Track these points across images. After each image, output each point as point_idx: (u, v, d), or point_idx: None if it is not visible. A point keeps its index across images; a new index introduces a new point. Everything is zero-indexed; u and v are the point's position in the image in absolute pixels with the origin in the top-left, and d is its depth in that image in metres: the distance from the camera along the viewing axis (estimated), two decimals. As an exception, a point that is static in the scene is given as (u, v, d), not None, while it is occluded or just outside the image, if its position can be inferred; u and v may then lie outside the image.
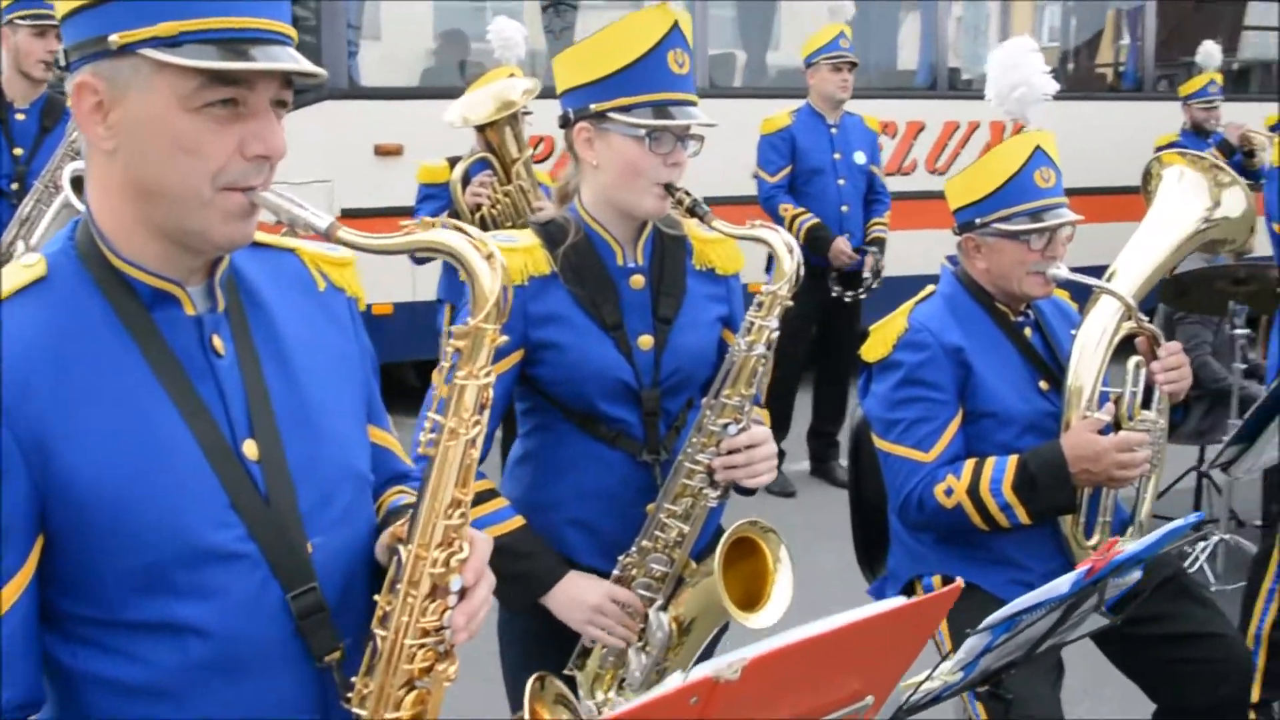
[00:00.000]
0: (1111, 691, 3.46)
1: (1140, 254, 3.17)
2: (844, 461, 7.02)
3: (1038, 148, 3.05)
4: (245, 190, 1.53)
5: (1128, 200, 9.05)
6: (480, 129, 5.12)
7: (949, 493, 2.99)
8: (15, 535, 1.45)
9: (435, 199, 5.30)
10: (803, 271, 2.42)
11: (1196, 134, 8.61)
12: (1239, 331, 5.11)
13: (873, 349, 3.14)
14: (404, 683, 1.60)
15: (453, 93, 5.65)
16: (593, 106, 2.45)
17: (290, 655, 1.61)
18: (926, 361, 3.04)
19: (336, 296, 1.83)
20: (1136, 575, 2.37)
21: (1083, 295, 3.21)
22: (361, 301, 1.88)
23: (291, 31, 1.55)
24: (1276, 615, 4.09)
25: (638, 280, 2.55)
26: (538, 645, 2.56)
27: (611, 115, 2.43)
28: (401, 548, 1.59)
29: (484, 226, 5.09)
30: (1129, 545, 2.07)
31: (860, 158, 6.82)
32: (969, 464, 3.00)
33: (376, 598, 1.62)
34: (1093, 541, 3.05)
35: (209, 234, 1.54)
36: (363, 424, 1.82)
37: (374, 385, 1.88)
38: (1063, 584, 1.92)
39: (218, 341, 1.61)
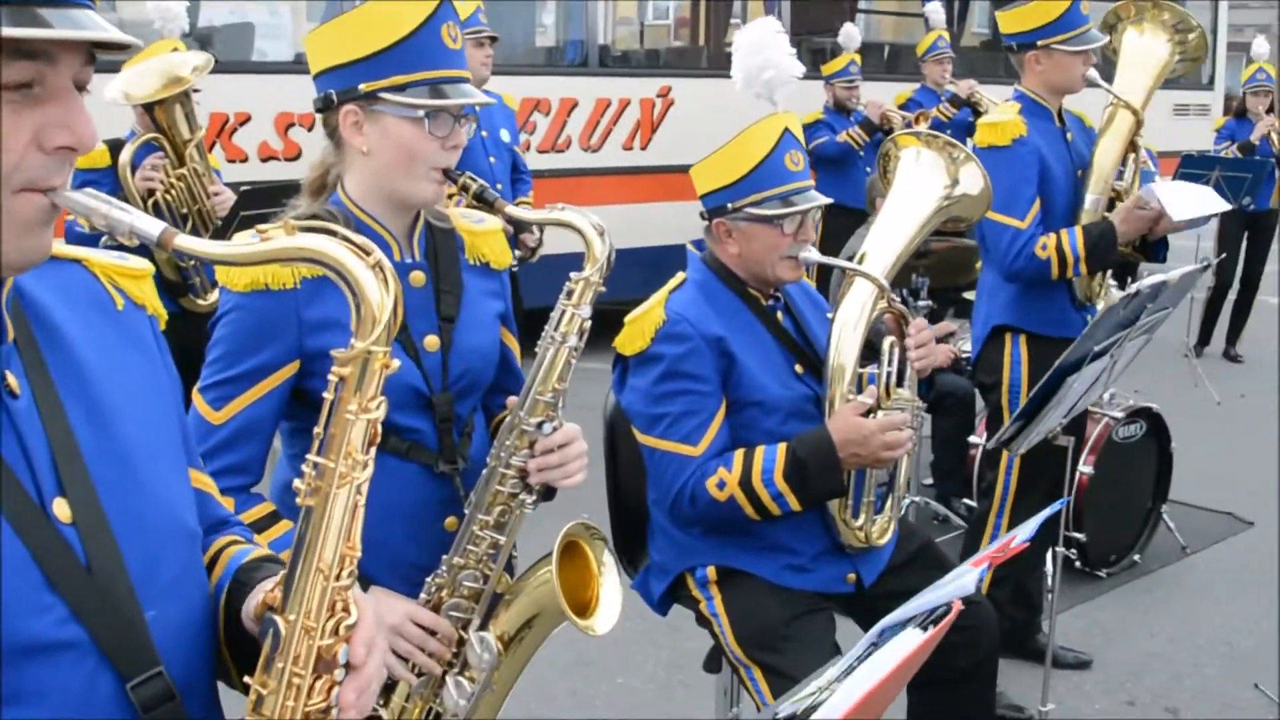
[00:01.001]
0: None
1: (887, 235, 3.21)
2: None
3: (786, 130, 3.03)
4: (46, 191, 1.24)
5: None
6: (147, 107, 4.67)
7: (721, 485, 2.94)
8: None
9: (97, 185, 4.77)
10: (614, 256, 2.27)
11: (839, 112, 8.98)
12: (921, 303, 5.36)
13: (630, 341, 3.03)
14: None
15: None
16: (361, 86, 2.20)
17: None
18: (688, 353, 2.97)
19: (137, 315, 1.54)
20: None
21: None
22: (163, 319, 1.61)
23: None
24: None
25: (418, 277, 2.34)
26: None
27: (384, 95, 2.20)
28: (278, 618, 1.34)
29: (158, 214, 4.66)
30: (1020, 534, 2.07)
31: (505, 135, 6.73)
32: (738, 454, 2.96)
33: (248, 679, 1.37)
34: (859, 522, 3.08)
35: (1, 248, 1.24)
36: (184, 468, 1.54)
37: (185, 419, 1.61)
38: (969, 583, 1.89)
39: (11, 379, 1.31)
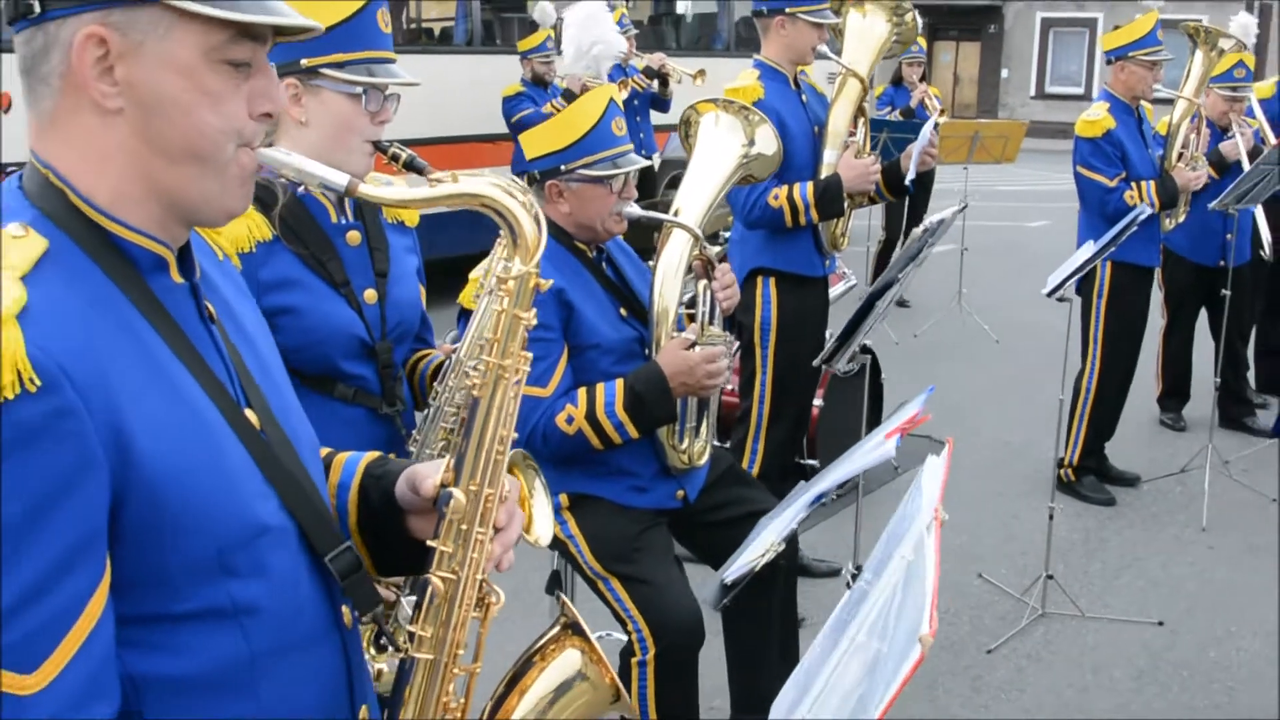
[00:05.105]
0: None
1: (697, 191, 3.63)
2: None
3: (611, 100, 3.40)
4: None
5: (482, 148, 9.72)
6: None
7: (570, 420, 3.29)
8: (100, 539, 1.30)
9: None
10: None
11: (538, 85, 9.35)
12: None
13: (471, 294, 3.33)
14: (462, 622, 1.64)
15: None
16: (303, 62, 2.44)
17: (324, 622, 1.59)
18: (535, 304, 3.29)
19: (230, 266, 1.76)
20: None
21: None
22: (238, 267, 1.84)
23: None
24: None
25: (354, 236, 2.58)
26: None
27: (325, 71, 2.45)
28: (457, 490, 1.63)
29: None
30: (917, 404, 2.49)
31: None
32: (581, 392, 3.32)
33: (431, 542, 1.64)
34: (684, 445, 3.50)
35: (224, 199, 1.46)
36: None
37: None
38: (890, 449, 2.28)
39: (211, 308, 1.54)
